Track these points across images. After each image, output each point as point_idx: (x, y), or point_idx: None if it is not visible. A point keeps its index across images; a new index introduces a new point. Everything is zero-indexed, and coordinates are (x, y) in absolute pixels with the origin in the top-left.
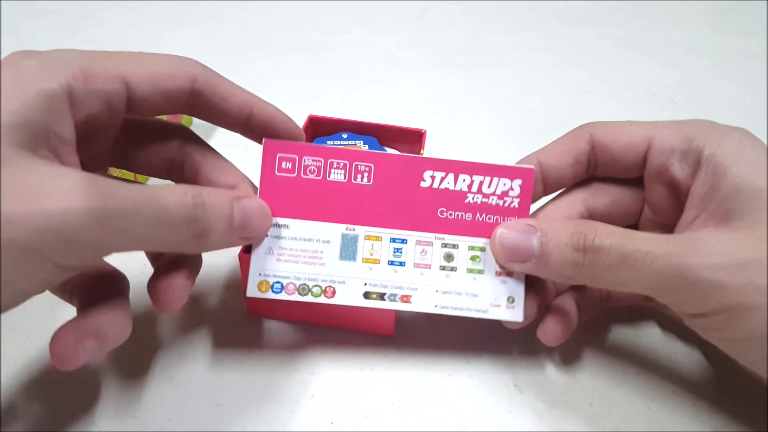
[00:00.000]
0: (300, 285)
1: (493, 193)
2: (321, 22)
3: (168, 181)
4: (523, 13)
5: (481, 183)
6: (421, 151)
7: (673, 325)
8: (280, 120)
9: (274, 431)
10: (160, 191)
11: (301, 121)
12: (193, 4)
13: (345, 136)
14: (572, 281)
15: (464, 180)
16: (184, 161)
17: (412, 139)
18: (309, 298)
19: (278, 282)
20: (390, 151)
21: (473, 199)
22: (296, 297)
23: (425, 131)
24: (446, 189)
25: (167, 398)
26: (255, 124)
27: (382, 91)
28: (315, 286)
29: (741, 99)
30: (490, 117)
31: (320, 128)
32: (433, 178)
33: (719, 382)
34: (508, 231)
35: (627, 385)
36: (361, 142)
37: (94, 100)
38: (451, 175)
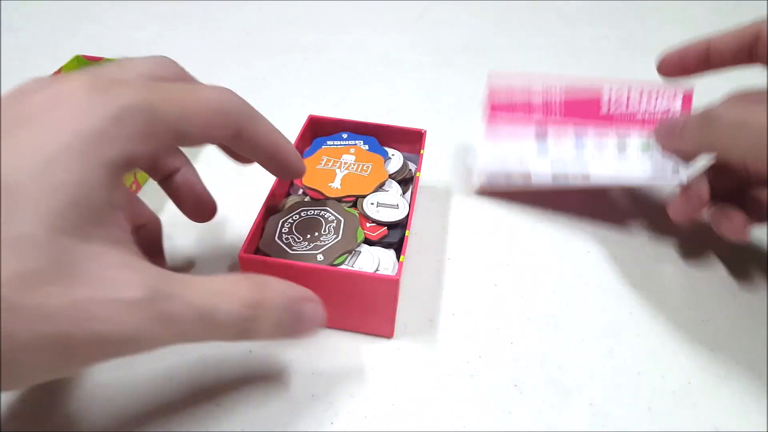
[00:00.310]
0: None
1: (659, 111)
2: (321, 22)
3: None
4: (523, 13)
5: (648, 103)
6: (421, 150)
7: (673, 325)
8: (293, 159)
9: (274, 431)
10: (217, 300)
11: (301, 121)
12: (193, 4)
13: (345, 136)
14: (703, 150)
15: (634, 102)
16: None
17: (412, 139)
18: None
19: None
20: (390, 151)
21: (642, 117)
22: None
23: (425, 131)
24: (620, 113)
25: (167, 398)
26: (273, 161)
27: (382, 91)
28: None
29: None
30: None
31: (320, 128)
32: (609, 103)
33: (719, 382)
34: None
35: (627, 385)
36: (361, 142)
37: (149, 158)
38: (624, 100)
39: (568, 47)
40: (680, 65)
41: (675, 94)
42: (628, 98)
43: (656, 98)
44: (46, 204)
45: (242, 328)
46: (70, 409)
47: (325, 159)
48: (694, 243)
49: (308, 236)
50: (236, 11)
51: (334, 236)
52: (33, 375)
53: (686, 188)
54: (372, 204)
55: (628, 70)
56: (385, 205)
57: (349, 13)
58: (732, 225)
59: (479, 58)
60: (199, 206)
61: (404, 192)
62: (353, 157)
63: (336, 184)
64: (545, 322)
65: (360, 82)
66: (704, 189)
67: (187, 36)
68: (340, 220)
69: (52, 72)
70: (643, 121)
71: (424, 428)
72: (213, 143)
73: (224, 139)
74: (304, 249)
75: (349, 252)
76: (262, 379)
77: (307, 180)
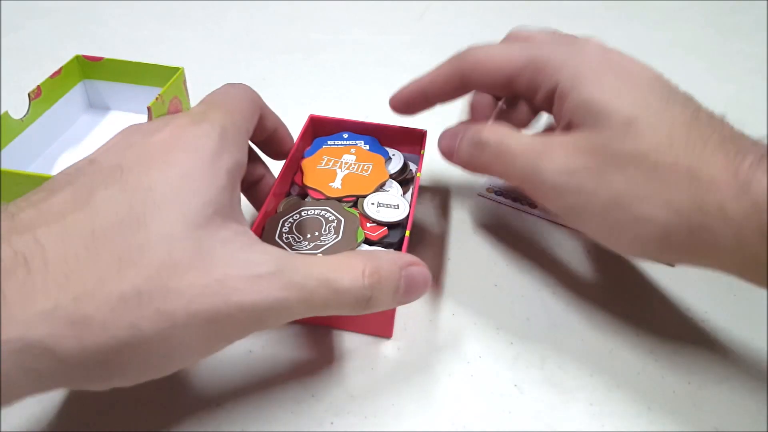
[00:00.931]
0: None
1: None
2: (321, 22)
3: None
4: (522, 13)
5: None
6: (422, 151)
7: (673, 325)
8: (287, 136)
9: (274, 431)
10: (338, 271)
11: (301, 121)
12: (193, 4)
13: (346, 136)
14: (474, 170)
15: None
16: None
17: (413, 139)
18: None
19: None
20: (390, 151)
21: None
22: None
23: (426, 131)
24: None
25: (167, 398)
26: (272, 139)
27: (382, 91)
28: None
29: (741, 99)
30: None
31: (321, 128)
32: None
33: (719, 382)
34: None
35: (627, 385)
36: (362, 142)
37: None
38: None
39: None
40: (407, 106)
41: None
42: None
43: None
44: (185, 207)
45: (364, 295)
46: (71, 409)
47: (326, 159)
48: None
49: (308, 236)
50: (236, 11)
51: (335, 236)
52: (190, 353)
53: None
54: (372, 204)
55: None
56: (386, 205)
57: (349, 13)
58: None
59: None
60: None
61: (405, 192)
62: (354, 157)
63: (336, 183)
64: (545, 322)
65: (360, 82)
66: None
67: (187, 36)
68: (341, 220)
69: (51, 72)
70: None
71: (424, 428)
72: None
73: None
74: (305, 249)
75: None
76: (262, 379)
77: (308, 180)
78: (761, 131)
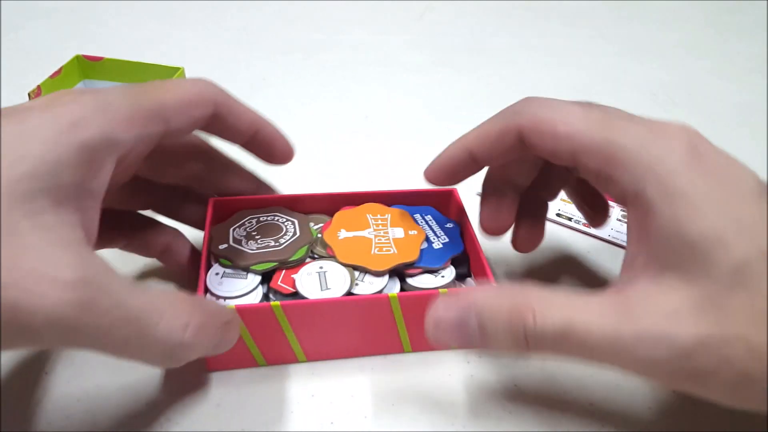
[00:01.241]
0: None
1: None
2: (321, 22)
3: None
4: (523, 13)
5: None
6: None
7: None
8: (279, 138)
9: (274, 431)
10: (156, 313)
11: (302, 121)
12: (193, 4)
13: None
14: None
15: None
16: (208, 175)
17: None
18: None
19: None
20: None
21: None
22: None
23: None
24: None
25: (167, 398)
26: (258, 141)
27: (382, 91)
28: None
29: (741, 99)
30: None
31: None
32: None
33: None
34: (440, 319)
35: (627, 385)
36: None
37: (134, 145)
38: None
39: (567, 47)
40: (449, 175)
41: None
42: None
43: None
44: (8, 172)
45: (173, 351)
46: (70, 410)
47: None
48: None
49: (270, 238)
50: (236, 11)
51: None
52: None
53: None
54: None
55: (627, 70)
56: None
57: (349, 13)
58: (522, 240)
59: (479, 58)
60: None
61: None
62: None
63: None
64: None
65: (360, 82)
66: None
67: (187, 36)
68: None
69: (52, 72)
70: None
71: (424, 428)
72: (197, 127)
73: (204, 120)
74: (270, 247)
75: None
76: (261, 379)
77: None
78: (761, 131)
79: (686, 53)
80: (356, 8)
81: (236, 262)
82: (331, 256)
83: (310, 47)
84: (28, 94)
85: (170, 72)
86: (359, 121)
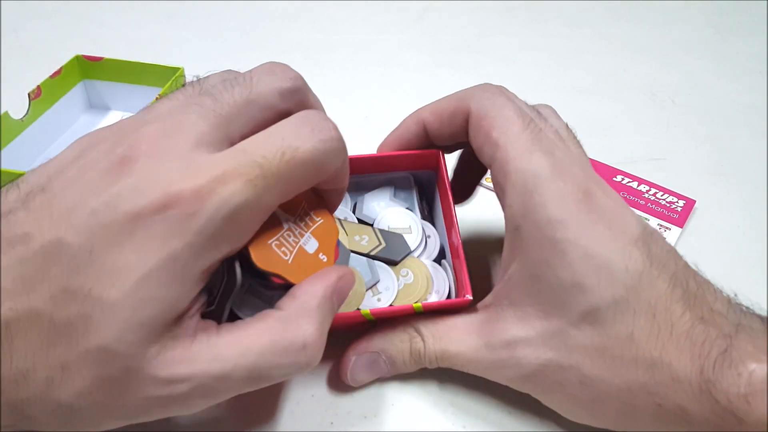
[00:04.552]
0: None
1: None
2: (321, 22)
3: None
4: (523, 13)
5: None
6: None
7: None
8: (340, 199)
9: (274, 431)
10: (268, 355)
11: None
12: (193, 4)
13: None
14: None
15: None
16: None
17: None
18: None
19: None
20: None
21: None
22: None
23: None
24: None
25: None
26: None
27: (382, 91)
28: None
29: (741, 99)
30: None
31: None
32: None
33: None
34: (355, 368)
35: None
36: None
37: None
38: None
39: (567, 47)
40: (401, 145)
41: None
42: None
43: None
44: (133, 318)
45: (305, 365)
46: None
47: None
48: (694, 241)
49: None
50: (236, 11)
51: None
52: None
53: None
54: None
55: (628, 70)
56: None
57: (349, 13)
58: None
59: (479, 58)
60: None
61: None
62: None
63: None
64: None
65: (360, 82)
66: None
67: (187, 36)
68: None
69: (52, 72)
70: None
71: (424, 428)
72: None
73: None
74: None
75: None
76: None
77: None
78: (761, 131)
79: (686, 53)
80: (356, 8)
81: None
82: None
83: (310, 47)
84: (28, 94)
85: (170, 72)
86: (359, 121)
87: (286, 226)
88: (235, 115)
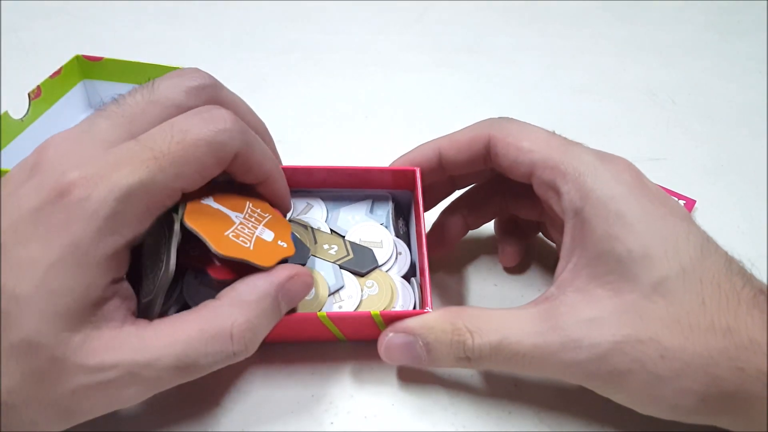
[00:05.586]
0: None
1: None
2: (321, 22)
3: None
4: (523, 13)
5: None
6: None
7: None
8: (282, 197)
9: (274, 431)
10: (194, 344)
11: (302, 121)
12: (193, 4)
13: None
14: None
15: None
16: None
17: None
18: None
19: None
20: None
21: None
22: None
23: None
24: None
25: (167, 398)
26: (261, 189)
27: (382, 91)
28: None
29: (741, 99)
30: (490, 117)
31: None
32: None
33: None
34: (390, 345)
35: None
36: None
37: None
38: None
39: (567, 47)
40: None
41: None
42: None
43: None
44: (48, 309)
45: (232, 354)
46: None
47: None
48: None
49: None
50: (236, 11)
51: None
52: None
53: (440, 225)
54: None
55: (628, 70)
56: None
57: (349, 13)
58: (504, 257)
59: (479, 59)
60: None
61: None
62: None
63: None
64: None
65: (360, 82)
66: (457, 224)
67: (187, 36)
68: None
69: (51, 72)
70: None
71: (424, 428)
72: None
73: (220, 172)
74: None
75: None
76: (262, 379)
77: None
78: (761, 131)
79: (686, 53)
80: (356, 8)
81: None
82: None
83: (310, 47)
84: (28, 94)
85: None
86: (359, 121)
87: (237, 221)
88: (138, 114)
